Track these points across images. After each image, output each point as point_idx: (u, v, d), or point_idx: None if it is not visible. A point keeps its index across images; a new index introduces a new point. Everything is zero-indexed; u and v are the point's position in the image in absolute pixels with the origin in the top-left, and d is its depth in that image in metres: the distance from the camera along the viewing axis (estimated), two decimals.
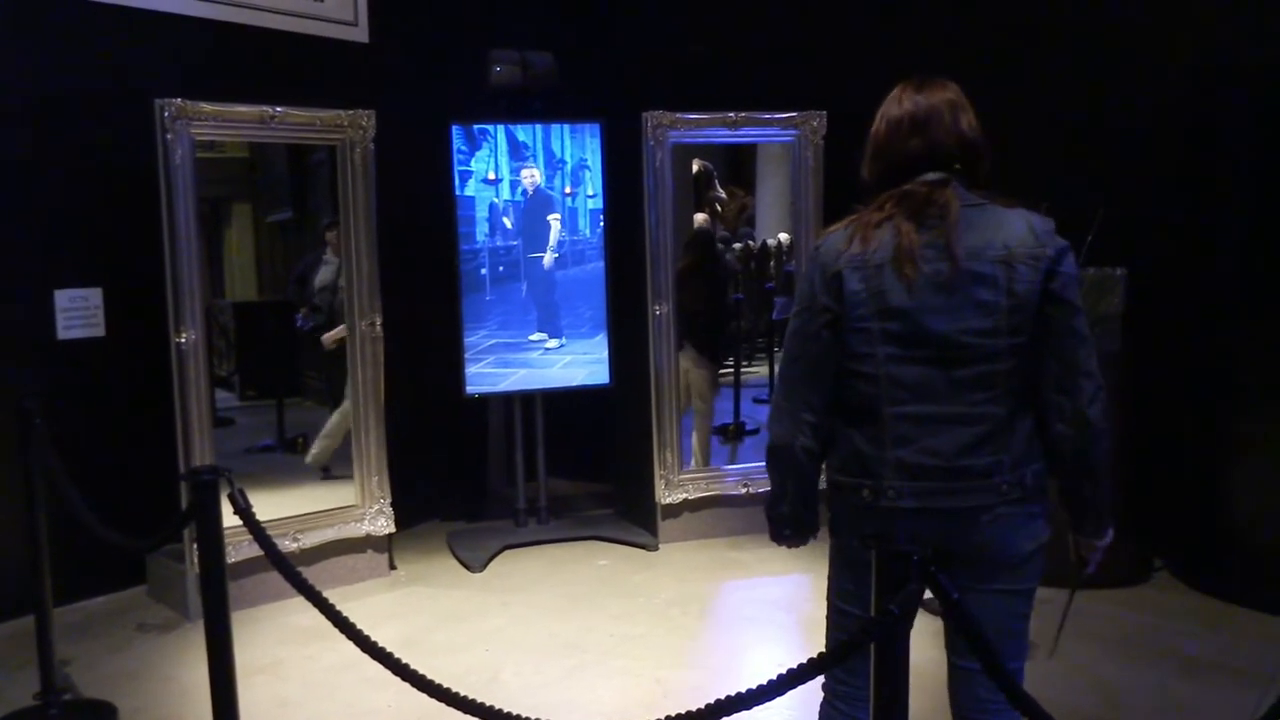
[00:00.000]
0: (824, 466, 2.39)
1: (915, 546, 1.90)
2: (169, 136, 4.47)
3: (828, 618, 2.49)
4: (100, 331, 4.98)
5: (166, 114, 4.46)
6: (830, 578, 2.46)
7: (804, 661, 1.94)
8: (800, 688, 1.94)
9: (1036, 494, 2.25)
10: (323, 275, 5.60)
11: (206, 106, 4.57)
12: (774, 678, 1.96)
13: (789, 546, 2.48)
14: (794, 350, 2.32)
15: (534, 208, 5.73)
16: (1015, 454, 2.21)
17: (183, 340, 4.55)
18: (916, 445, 2.21)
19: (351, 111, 4.97)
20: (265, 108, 4.74)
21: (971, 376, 2.18)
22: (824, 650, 1.96)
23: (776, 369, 7.16)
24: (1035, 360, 2.20)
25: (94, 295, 4.96)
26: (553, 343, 5.77)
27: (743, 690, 1.95)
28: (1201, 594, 4.79)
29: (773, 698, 1.96)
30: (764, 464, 2.42)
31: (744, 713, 1.97)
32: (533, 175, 5.70)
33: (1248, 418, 4.72)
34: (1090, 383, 2.18)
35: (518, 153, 5.66)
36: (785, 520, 2.43)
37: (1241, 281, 4.73)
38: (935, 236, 2.18)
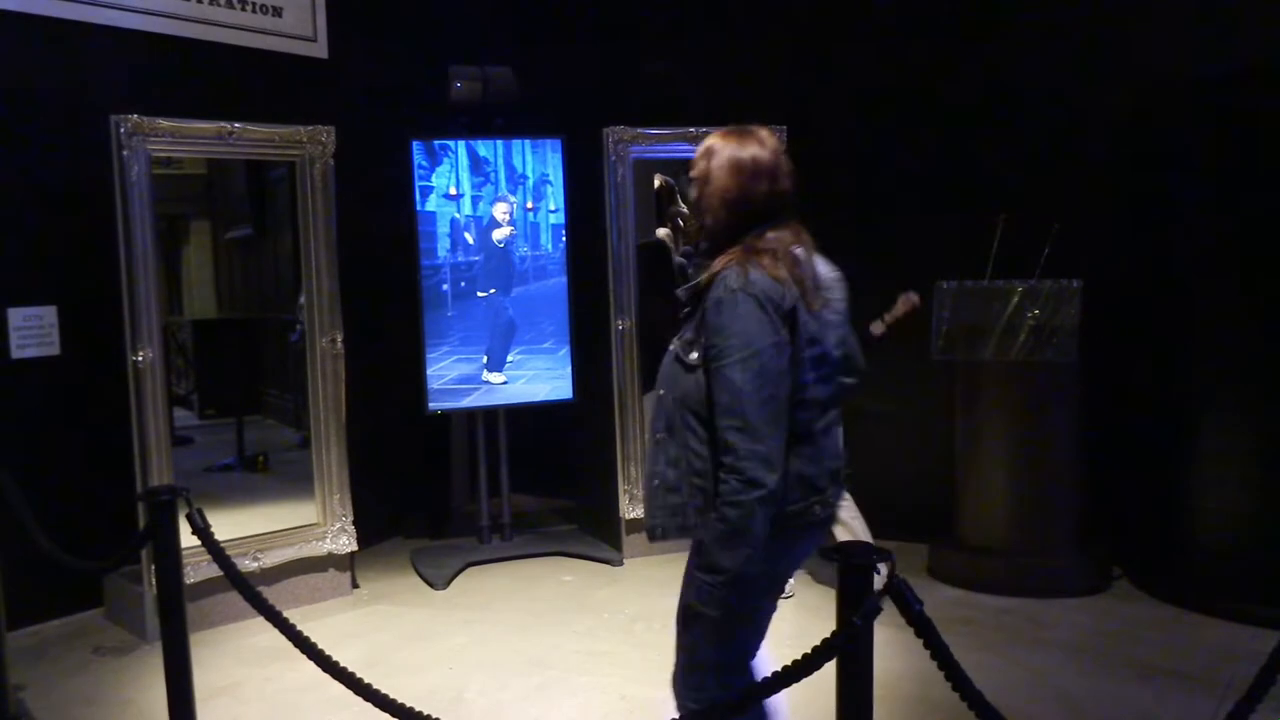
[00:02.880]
0: None
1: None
2: (125, 153, 4.42)
3: (734, 631, 2.45)
4: (55, 350, 4.91)
5: (123, 130, 4.41)
6: (736, 602, 2.36)
7: (767, 676, 1.95)
8: (768, 699, 1.94)
9: None
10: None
11: (163, 122, 4.52)
12: (741, 690, 1.96)
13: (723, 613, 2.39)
14: (768, 390, 2.27)
15: (499, 256, 5.72)
16: None
17: (140, 358, 4.49)
18: (829, 453, 2.47)
19: (311, 127, 4.94)
20: (223, 124, 4.70)
21: (838, 392, 2.53)
22: (787, 665, 1.97)
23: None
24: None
25: (48, 313, 4.89)
26: (497, 378, 5.74)
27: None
28: (1160, 602, 4.84)
29: (739, 714, 1.97)
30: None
31: None
32: (504, 231, 5.70)
33: (1203, 427, 4.79)
34: None
35: (479, 168, 5.66)
36: (745, 576, 2.30)
37: (1196, 293, 4.80)
38: (810, 273, 2.45)
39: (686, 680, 2.51)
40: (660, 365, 2.55)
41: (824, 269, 2.52)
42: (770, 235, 2.39)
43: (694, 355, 2.36)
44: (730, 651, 2.48)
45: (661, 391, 2.46)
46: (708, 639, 2.43)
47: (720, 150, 2.46)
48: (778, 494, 2.27)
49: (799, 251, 2.42)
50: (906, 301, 4.90)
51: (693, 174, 2.52)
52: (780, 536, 2.35)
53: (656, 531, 2.45)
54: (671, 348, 2.49)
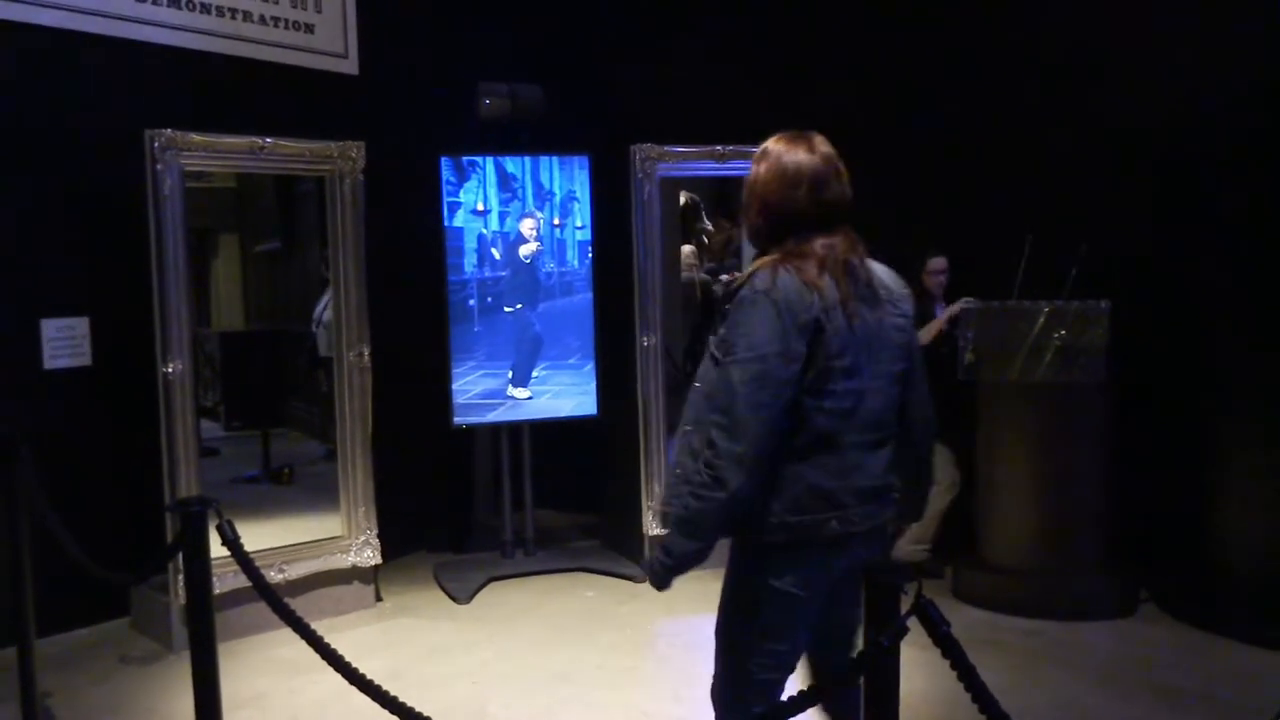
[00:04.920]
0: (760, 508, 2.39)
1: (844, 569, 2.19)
2: (158, 167, 4.48)
3: (743, 660, 2.50)
4: (87, 361, 4.96)
5: (156, 144, 4.47)
6: (743, 620, 2.49)
7: (795, 694, 1.95)
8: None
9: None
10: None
11: (196, 137, 4.58)
12: (767, 710, 1.96)
13: (663, 589, 2.48)
14: (764, 396, 2.27)
15: (526, 271, 5.75)
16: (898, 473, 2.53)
17: (170, 370, 4.54)
18: (863, 470, 2.40)
19: (341, 143, 4.99)
20: (255, 139, 4.75)
21: (886, 407, 2.46)
22: (803, 690, 1.97)
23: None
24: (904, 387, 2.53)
25: (80, 325, 4.95)
26: (522, 393, 5.76)
27: None
28: (1188, 626, 4.79)
29: None
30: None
31: None
32: (531, 247, 5.73)
33: (1232, 450, 4.75)
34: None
35: (506, 184, 5.69)
36: (692, 564, 2.40)
37: (1226, 314, 4.77)
38: (858, 280, 2.41)
39: (723, 693, 2.56)
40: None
41: (888, 279, 2.51)
42: (819, 242, 2.38)
43: (720, 353, 2.38)
44: (763, 665, 2.47)
45: (696, 384, 2.47)
46: (739, 652, 2.49)
47: (770, 153, 2.48)
48: (742, 498, 2.29)
49: (854, 261, 2.40)
50: (959, 309, 5.03)
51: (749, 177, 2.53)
52: (786, 549, 2.38)
53: (664, 517, 2.51)
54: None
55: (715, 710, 2.58)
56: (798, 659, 2.55)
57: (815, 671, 2.66)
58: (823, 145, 2.48)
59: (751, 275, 2.37)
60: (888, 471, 2.47)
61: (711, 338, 2.47)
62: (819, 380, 2.33)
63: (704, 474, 2.27)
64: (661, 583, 2.44)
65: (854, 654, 2.37)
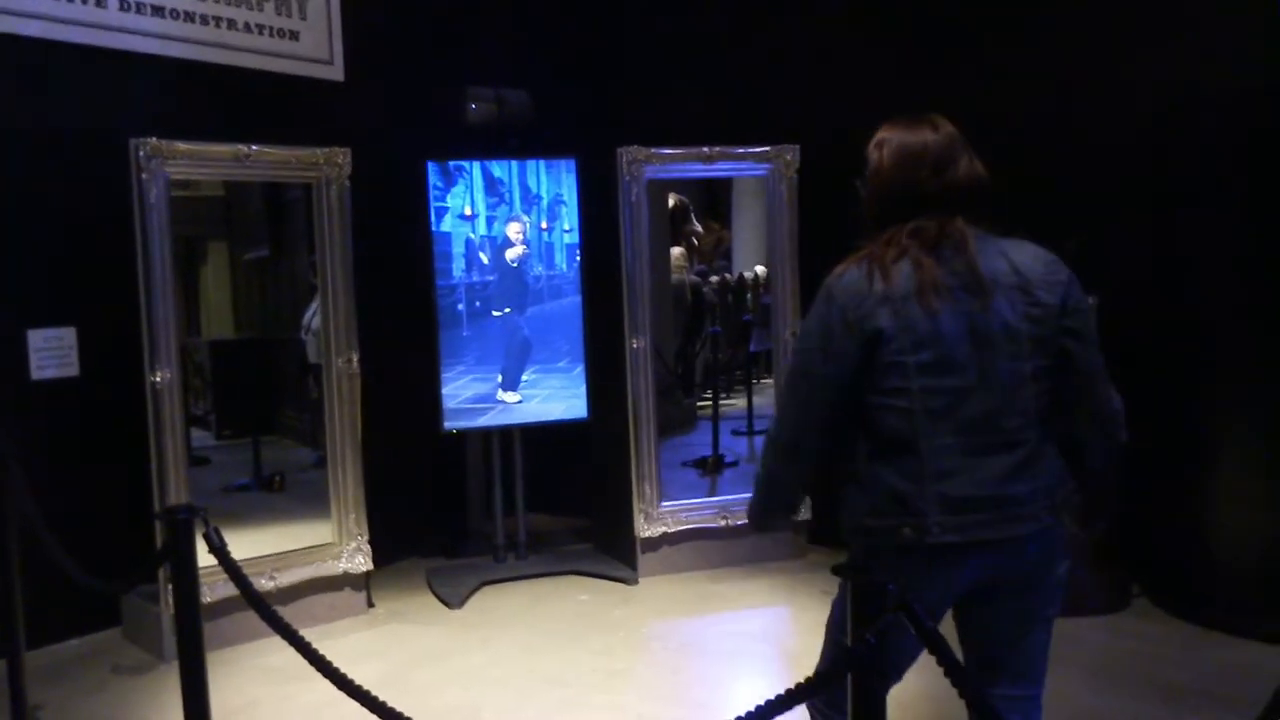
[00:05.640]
0: (850, 509, 2.37)
1: (966, 582, 2.14)
2: (144, 176, 4.47)
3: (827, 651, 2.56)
4: (74, 371, 4.95)
5: (141, 153, 4.46)
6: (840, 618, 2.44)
7: (784, 691, 1.95)
8: (780, 717, 1.94)
9: (1062, 518, 2.34)
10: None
11: (181, 145, 4.57)
12: (755, 708, 1.96)
13: (766, 530, 2.57)
14: (800, 389, 2.32)
15: (513, 275, 5.75)
16: (1048, 478, 2.29)
17: (158, 379, 4.53)
18: (960, 477, 2.21)
19: (327, 149, 4.98)
20: (241, 146, 4.74)
21: (1007, 407, 2.23)
22: (801, 680, 1.96)
23: (755, 398, 7.21)
24: (1058, 385, 2.31)
25: (68, 335, 4.94)
26: (512, 397, 5.76)
27: None
28: (1181, 620, 4.80)
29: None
30: (747, 494, 2.57)
31: None
32: (518, 251, 5.73)
33: (1223, 444, 4.76)
34: (1116, 407, 2.44)
35: (493, 189, 5.69)
36: (789, 506, 2.59)
37: (1216, 310, 4.78)
38: (955, 267, 2.24)
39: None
40: None
41: (1030, 263, 2.31)
42: (911, 226, 2.27)
43: None
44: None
45: None
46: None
47: (892, 140, 2.38)
48: (783, 483, 2.47)
49: (944, 246, 2.26)
50: None
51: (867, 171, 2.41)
52: (876, 554, 2.29)
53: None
54: None
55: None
56: (896, 670, 2.42)
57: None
58: (944, 123, 2.39)
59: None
60: (1011, 479, 2.24)
61: None
62: (885, 377, 2.23)
63: (767, 442, 2.45)
64: (767, 518, 2.58)
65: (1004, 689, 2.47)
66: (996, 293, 2.23)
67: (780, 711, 1.95)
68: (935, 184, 2.28)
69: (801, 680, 1.96)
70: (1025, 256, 2.31)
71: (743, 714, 1.97)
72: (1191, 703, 3.94)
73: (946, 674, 1.95)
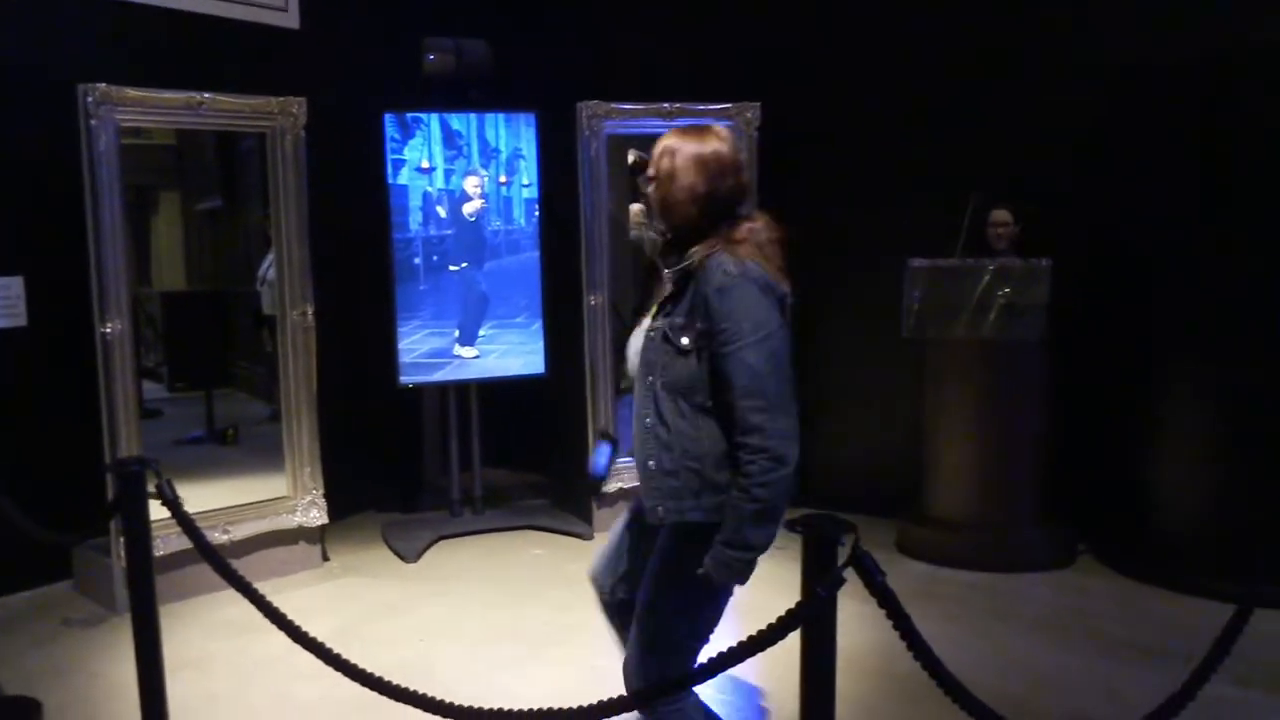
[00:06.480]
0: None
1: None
2: (93, 123, 4.37)
3: (711, 608, 2.54)
4: (22, 321, 4.87)
5: (90, 100, 4.36)
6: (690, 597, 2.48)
7: (734, 645, 1.98)
8: (733, 670, 1.97)
9: None
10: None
11: (131, 92, 4.48)
12: (703, 662, 1.99)
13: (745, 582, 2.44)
14: (782, 370, 2.37)
15: (471, 230, 5.70)
16: None
17: (108, 330, 4.47)
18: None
19: (282, 98, 4.90)
20: (193, 94, 4.65)
21: None
22: (752, 635, 1.99)
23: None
24: None
25: (15, 284, 4.85)
26: (469, 352, 5.74)
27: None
28: (1123, 577, 4.92)
29: (704, 680, 1.99)
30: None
31: None
32: (476, 205, 5.68)
33: (1165, 407, 4.85)
34: None
35: (452, 142, 5.63)
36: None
37: (1160, 275, 4.85)
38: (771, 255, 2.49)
39: (647, 663, 2.54)
40: (631, 347, 2.59)
41: None
42: (746, 226, 2.45)
43: (685, 340, 2.40)
44: (700, 631, 2.54)
45: (650, 377, 2.48)
46: (684, 618, 2.50)
47: (682, 148, 2.47)
48: (781, 510, 2.37)
49: (778, 239, 2.48)
50: None
51: (651, 173, 2.51)
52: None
53: (657, 514, 2.48)
54: (651, 331, 2.51)
55: (637, 681, 2.58)
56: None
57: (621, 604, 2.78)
58: (728, 134, 2.53)
59: (708, 260, 2.39)
60: None
61: (659, 322, 2.49)
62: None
63: (761, 460, 2.29)
64: (747, 576, 2.38)
65: None
66: None
67: (727, 666, 1.98)
68: (738, 188, 2.48)
69: (754, 633, 1.99)
70: None
71: (696, 665, 2.00)
72: (1131, 655, 4.04)
73: (895, 627, 1.99)
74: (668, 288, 2.51)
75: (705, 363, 2.38)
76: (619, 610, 2.80)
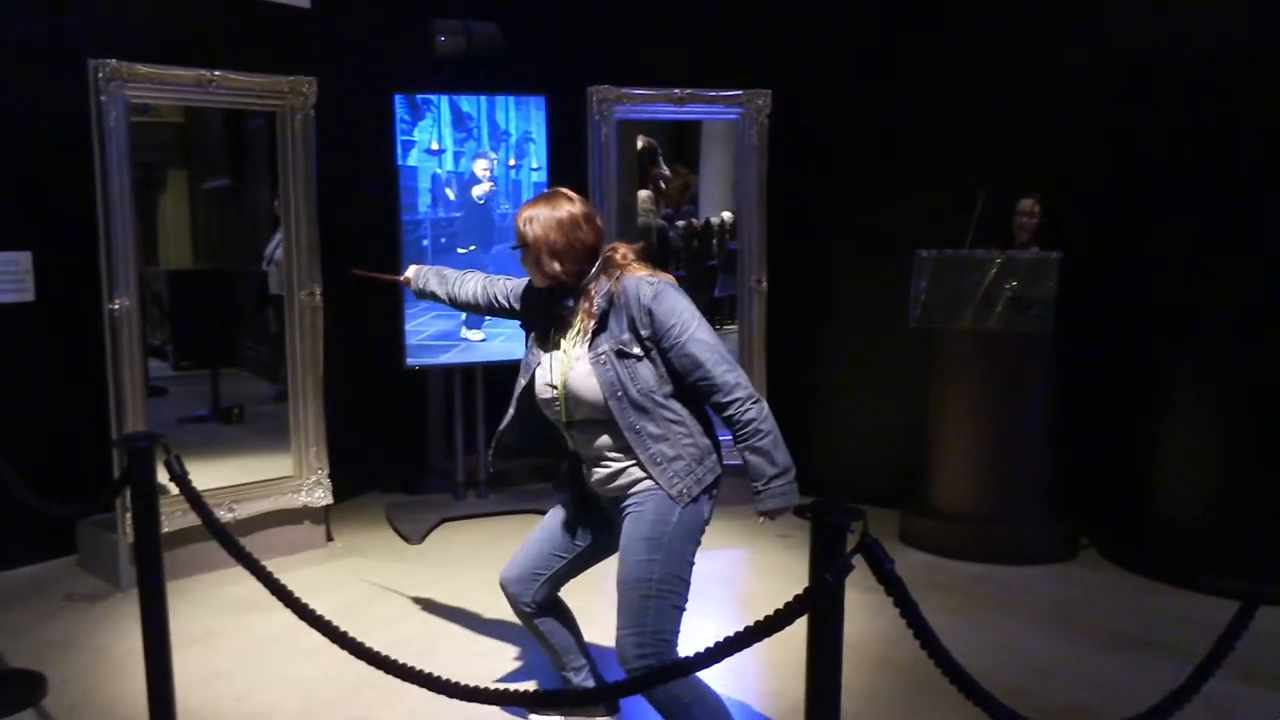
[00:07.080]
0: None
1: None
2: (103, 98, 4.37)
3: (678, 582, 2.83)
4: (30, 297, 4.87)
5: (101, 75, 4.36)
6: (689, 550, 2.86)
7: (739, 630, 1.98)
8: (734, 657, 1.97)
9: None
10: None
11: (142, 68, 4.47)
12: (708, 646, 1.99)
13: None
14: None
15: (480, 213, 5.69)
16: None
17: (116, 307, 4.47)
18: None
19: (292, 78, 4.89)
20: (204, 71, 4.65)
21: None
22: (759, 621, 1.99)
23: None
24: None
25: (24, 259, 4.85)
26: (476, 335, 5.74)
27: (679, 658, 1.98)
28: (1126, 571, 4.92)
29: (708, 665, 1.99)
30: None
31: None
32: (485, 188, 5.67)
33: (1170, 403, 4.85)
34: None
35: (461, 124, 5.62)
36: None
37: (1168, 270, 4.84)
38: None
39: (646, 642, 2.79)
40: (578, 381, 2.85)
41: None
42: (620, 252, 2.90)
43: (638, 349, 2.78)
44: (686, 594, 2.86)
45: (619, 393, 2.78)
46: (677, 581, 2.82)
47: (538, 215, 2.85)
48: None
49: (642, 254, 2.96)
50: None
51: (524, 244, 2.87)
52: (712, 490, 2.89)
53: (686, 496, 2.81)
54: (596, 357, 2.81)
55: (635, 664, 2.81)
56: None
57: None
58: (575, 195, 2.93)
59: (621, 284, 2.81)
60: None
61: (603, 348, 2.80)
62: None
63: (750, 406, 2.74)
64: (797, 494, 2.78)
65: None
66: None
67: (733, 652, 1.98)
68: (594, 232, 2.89)
69: (759, 619, 1.99)
70: None
71: (699, 651, 2.01)
72: (1134, 649, 4.04)
73: (902, 614, 1.99)
74: (581, 322, 2.87)
75: (658, 360, 2.78)
76: (541, 611, 3.34)
